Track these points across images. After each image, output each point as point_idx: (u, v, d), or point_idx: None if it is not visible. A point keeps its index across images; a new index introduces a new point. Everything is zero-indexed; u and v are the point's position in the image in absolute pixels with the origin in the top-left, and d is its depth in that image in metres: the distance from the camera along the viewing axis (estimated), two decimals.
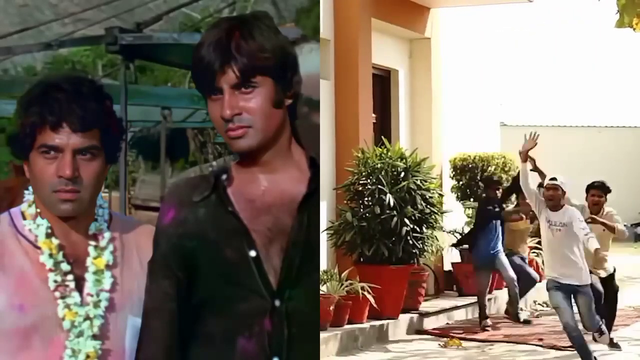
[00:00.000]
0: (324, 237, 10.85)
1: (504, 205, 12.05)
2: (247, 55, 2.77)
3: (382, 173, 10.80)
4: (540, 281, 12.31)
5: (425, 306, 11.99)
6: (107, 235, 3.01)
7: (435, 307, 12.16)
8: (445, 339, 10.80)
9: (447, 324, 12.01)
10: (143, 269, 2.96)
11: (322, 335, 9.43)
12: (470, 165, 14.00)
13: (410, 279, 11.28)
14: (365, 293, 10.26)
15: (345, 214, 10.81)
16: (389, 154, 11.01)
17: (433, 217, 11.02)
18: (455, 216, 13.13)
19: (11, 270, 2.91)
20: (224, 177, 2.89)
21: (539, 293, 12.75)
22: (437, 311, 12.02)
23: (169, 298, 2.86)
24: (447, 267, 13.73)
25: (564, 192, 8.78)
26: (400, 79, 13.68)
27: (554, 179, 8.85)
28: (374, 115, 12.69)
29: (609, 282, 9.94)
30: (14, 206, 3.04)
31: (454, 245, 12.98)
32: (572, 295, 8.72)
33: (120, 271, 3.00)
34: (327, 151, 11.51)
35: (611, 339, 9.55)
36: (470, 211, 13.67)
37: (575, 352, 9.85)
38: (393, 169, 10.89)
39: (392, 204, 10.61)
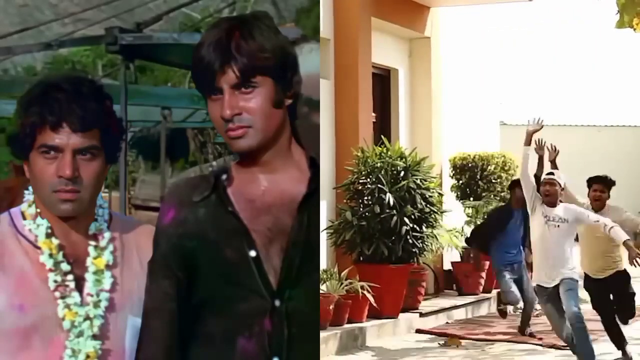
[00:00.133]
0: (323, 236, 10.85)
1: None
2: (247, 55, 2.77)
3: (382, 172, 10.81)
4: None
5: (424, 305, 12.00)
6: (107, 235, 3.01)
7: (435, 306, 12.16)
8: (444, 338, 10.80)
9: (447, 323, 12.01)
10: (143, 269, 2.96)
11: (322, 334, 9.43)
12: (470, 165, 14.02)
13: (410, 278, 11.29)
14: (365, 292, 10.26)
15: (345, 213, 10.81)
16: (389, 153, 11.02)
17: (433, 216, 11.03)
18: (455, 215, 13.13)
19: (11, 270, 2.91)
20: (224, 177, 2.89)
21: None
22: (437, 310, 12.02)
23: (169, 298, 2.86)
24: (447, 266, 13.74)
25: (561, 188, 8.48)
26: (400, 78, 13.68)
27: (550, 173, 8.63)
28: (373, 114, 12.69)
29: (625, 283, 9.32)
30: (14, 206, 3.04)
31: (467, 242, 12.59)
32: (558, 295, 8.33)
33: (120, 271, 3.00)
34: (327, 150, 11.51)
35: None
36: (470, 210, 13.68)
37: (587, 335, 9.84)
38: (393, 168, 10.89)
39: (391, 203, 10.61)
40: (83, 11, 15.67)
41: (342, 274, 10.36)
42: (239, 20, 2.84)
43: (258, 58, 2.78)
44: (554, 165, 9.50)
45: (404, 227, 10.64)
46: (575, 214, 8.38)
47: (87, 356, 2.90)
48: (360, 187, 10.96)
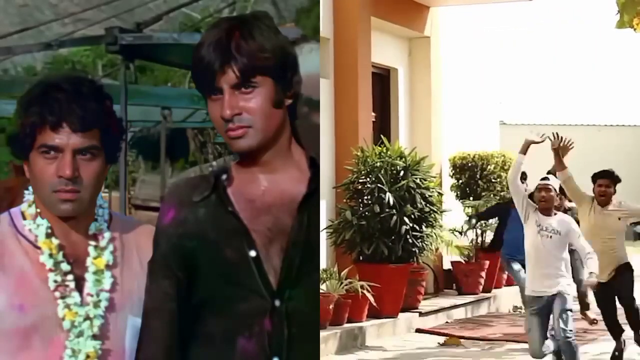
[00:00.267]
0: (323, 236, 10.86)
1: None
2: (247, 55, 2.77)
3: (382, 172, 10.81)
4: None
5: (424, 305, 12.00)
6: (107, 235, 3.01)
7: (435, 306, 12.17)
8: (444, 337, 10.81)
9: (447, 322, 12.02)
10: (143, 269, 2.96)
11: (322, 334, 9.44)
12: (469, 164, 14.03)
13: (410, 277, 11.30)
14: (365, 292, 10.27)
15: (345, 212, 10.82)
16: (389, 152, 11.03)
17: (432, 215, 11.03)
18: (455, 215, 13.13)
19: (11, 270, 2.90)
20: (224, 177, 2.89)
21: None
22: (437, 310, 12.03)
23: (169, 298, 2.86)
24: (447, 265, 13.74)
25: (557, 194, 8.08)
26: (399, 77, 13.69)
27: (545, 178, 8.12)
28: (373, 114, 12.70)
29: (625, 271, 9.05)
30: (14, 206, 3.04)
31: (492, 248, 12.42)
32: (549, 311, 7.88)
33: (120, 271, 3.00)
34: (327, 150, 11.51)
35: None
36: (469, 210, 13.68)
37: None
38: (392, 168, 10.90)
39: (391, 202, 10.62)
40: (83, 11, 15.67)
41: (342, 273, 10.37)
42: (239, 20, 2.84)
43: (258, 58, 2.78)
44: (559, 159, 9.04)
45: (404, 227, 10.65)
46: (568, 228, 7.89)
47: (87, 356, 2.89)
48: (360, 187, 10.97)
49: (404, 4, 13.14)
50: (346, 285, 10.24)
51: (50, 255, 2.92)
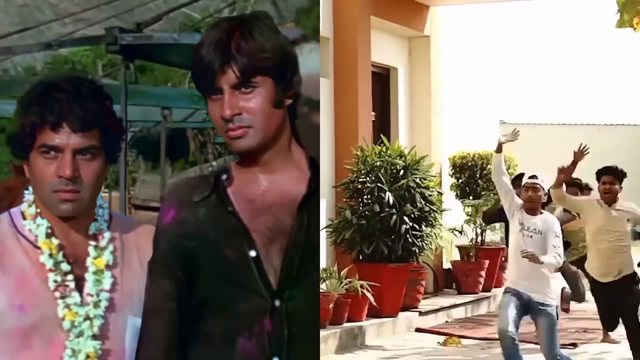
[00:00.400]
0: (323, 235, 10.86)
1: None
2: (247, 55, 2.77)
3: (382, 171, 10.82)
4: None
5: (424, 304, 12.01)
6: (107, 235, 3.01)
7: (435, 305, 12.17)
8: (444, 337, 10.81)
9: (447, 322, 12.03)
10: (143, 269, 2.95)
11: (322, 333, 9.44)
12: (469, 163, 14.03)
13: (410, 277, 11.30)
14: (365, 291, 10.28)
15: (345, 212, 10.82)
16: (388, 152, 11.03)
17: (432, 215, 11.04)
18: (455, 214, 13.14)
19: (11, 270, 2.90)
20: (224, 177, 2.89)
21: None
22: (436, 309, 12.03)
23: (169, 298, 2.86)
24: (447, 265, 13.75)
25: (545, 193, 7.77)
26: (399, 77, 13.70)
27: (534, 176, 7.77)
28: (373, 113, 12.70)
29: (631, 286, 8.66)
30: (14, 206, 3.03)
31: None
32: (527, 311, 7.57)
33: (120, 271, 3.00)
34: (327, 149, 11.52)
35: None
36: (469, 209, 13.69)
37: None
38: (392, 167, 10.91)
39: (391, 202, 10.62)
40: (83, 11, 15.67)
41: (342, 272, 10.38)
42: (239, 20, 2.84)
43: (258, 58, 2.78)
44: (573, 166, 8.74)
45: (404, 226, 10.65)
46: (548, 227, 7.55)
47: (87, 356, 2.89)
48: (359, 186, 10.97)
49: (403, 4, 13.14)
50: (346, 284, 10.25)
51: (50, 255, 2.92)
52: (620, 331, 9.16)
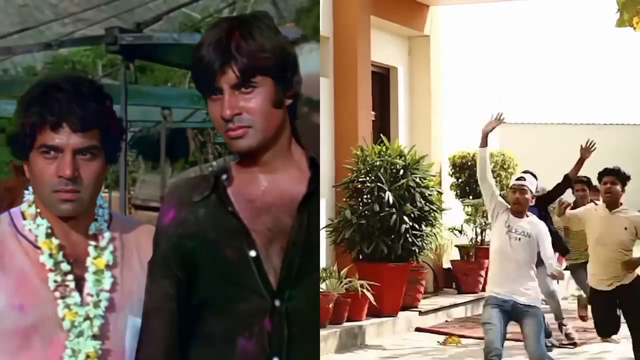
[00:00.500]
0: (323, 235, 10.86)
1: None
2: (247, 55, 2.77)
3: (381, 171, 10.82)
4: None
5: (424, 304, 12.01)
6: (107, 235, 3.01)
7: (434, 305, 12.18)
8: (444, 336, 10.81)
9: (446, 321, 12.03)
10: (143, 269, 2.95)
11: (322, 332, 9.45)
12: (469, 163, 14.02)
13: (410, 276, 11.31)
14: (365, 290, 10.28)
15: (345, 211, 10.83)
16: (388, 151, 11.04)
17: (432, 214, 11.04)
18: (454, 214, 13.14)
19: (11, 270, 2.90)
20: (224, 177, 2.89)
21: None
22: (436, 309, 12.04)
23: (169, 298, 2.86)
24: (446, 264, 13.75)
25: (533, 196, 7.46)
26: (399, 76, 13.70)
27: (521, 178, 7.53)
28: (373, 112, 12.71)
29: (636, 291, 8.42)
30: (14, 206, 3.03)
31: None
32: (511, 318, 7.27)
33: (120, 271, 3.00)
34: (326, 149, 11.52)
35: None
36: (469, 209, 13.69)
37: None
38: (392, 167, 10.91)
39: (391, 201, 10.62)
40: (83, 11, 15.67)
41: (342, 272, 10.38)
42: (239, 20, 2.84)
43: (258, 58, 2.78)
44: (580, 164, 8.89)
45: (404, 226, 10.66)
46: (538, 231, 7.34)
47: (87, 356, 2.89)
48: (359, 186, 10.97)
49: (403, 3, 13.14)
50: (346, 284, 10.25)
51: (50, 255, 2.92)
52: (621, 331, 9.15)
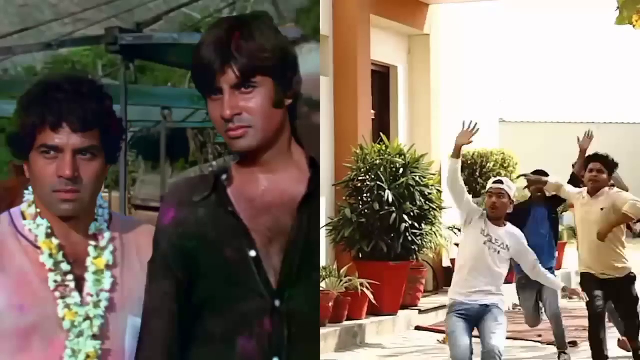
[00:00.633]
0: (323, 233, 10.86)
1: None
2: (247, 55, 2.77)
3: (381, 169, 10.82)
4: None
5: (424, 302, 12.01)
6: (107, 235, 3.01)
7: (434, 303, 12.16)
8: (444, 335, 10.81)
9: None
10: (143, 269, 2.95)
11: (321, 331, 9.44)
12: (469, 162, 14.03)
13: (409, 275, 11.30)
14: (364, 289, 10.28)
15: (344, 210, 10.82)
16: (388, 150, 11.04)
17: (432, 213, 11.04)
18: (454, 212, 13.13)
19: (11, 270, 2.90)
20: (224, 177, 2.89)
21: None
22: (436, 307, 12.02)
23: (169, 298, 2.87)
24: (446, 263, 13.74)
25: (511, 201, 6.97)
26: (399, 75, 13.69)
27: (499, 181, 7.11)
28: (372, 111, 12.70)
29: (626, 286, 8.23)
30: (14, 206, 3.04)
31: None
32: (476, 321, 6.82)
33: (120, 271, 3.00)
34: (326, 147, 11.52)
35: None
36: None
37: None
38: (392, 165, 10.91)
39: (391, 200, 10.62)
40: (83, 11, 15.69)
41: (342, 271, 10.38)
42: (239, 20, 2.84)
43: (258, 58, 2.78)
44: (582, 155, 8.55)
45: (403, 224, 10.66)
46: (517, 246, 6.98)
47: (87, 356, 2.89)
48: (359, 184, 10.97)
49: (403, 2, 13.14)
50: (346, 282, 10.25)
51: (50, 255, 2.92)
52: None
